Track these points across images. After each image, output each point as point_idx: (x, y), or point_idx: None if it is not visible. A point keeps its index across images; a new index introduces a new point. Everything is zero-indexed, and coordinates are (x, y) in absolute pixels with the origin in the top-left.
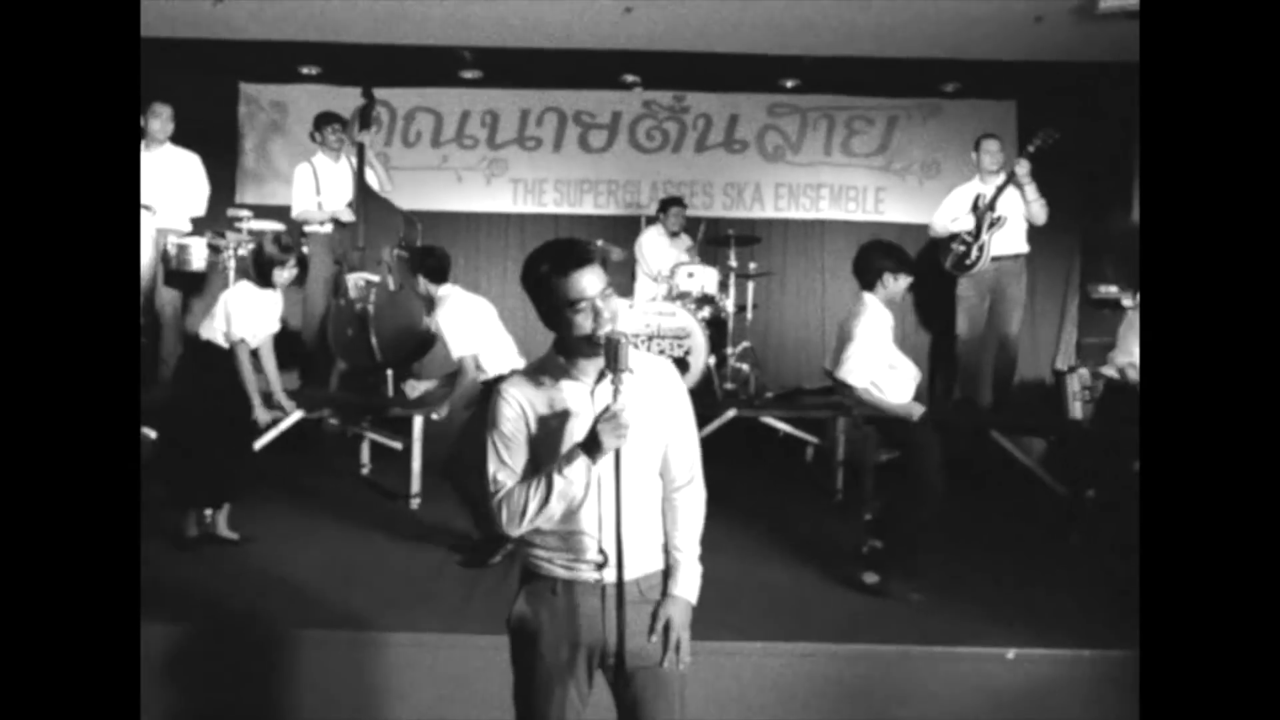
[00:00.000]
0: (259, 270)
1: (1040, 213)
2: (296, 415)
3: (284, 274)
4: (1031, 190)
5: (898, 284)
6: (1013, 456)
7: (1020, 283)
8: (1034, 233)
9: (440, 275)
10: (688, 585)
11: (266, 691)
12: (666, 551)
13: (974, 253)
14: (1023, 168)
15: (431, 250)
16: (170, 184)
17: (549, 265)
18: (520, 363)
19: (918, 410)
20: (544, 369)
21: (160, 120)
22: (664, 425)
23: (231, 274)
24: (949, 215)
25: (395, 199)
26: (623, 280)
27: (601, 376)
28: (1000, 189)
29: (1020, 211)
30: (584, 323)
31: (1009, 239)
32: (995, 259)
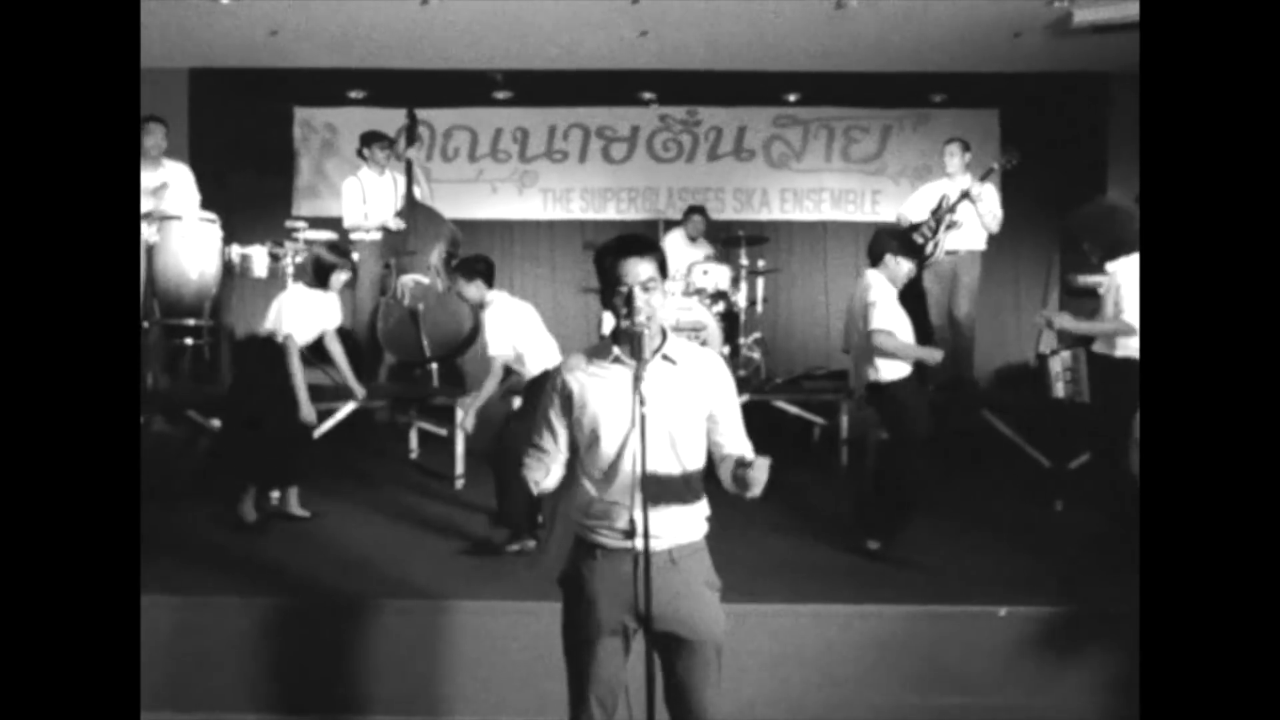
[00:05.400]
0: (316, 274)
1: (993, 224)
2: (350, 406)
3: (340, 276)
4: (986, 205)
5: (899, 266)
6: (1000, 433)
7: (973, 272)
8: (1018, 228)
9: (490, 279)
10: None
11: (335, 654)
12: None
13: (929, 247)
14: (976, 189)
15: (481, 257)
16: (169, 196)
17: (611, 250)
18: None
19: (938, 354)
20: (598, 353)
21: (155, 137)
22: (703, 409)
23: (290, 279)
24: (915, 209)
25: (437, 208)
26: None
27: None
28: (958, 200)
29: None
30: (619, 304)
31: (965, 238)
32: (950, 252)
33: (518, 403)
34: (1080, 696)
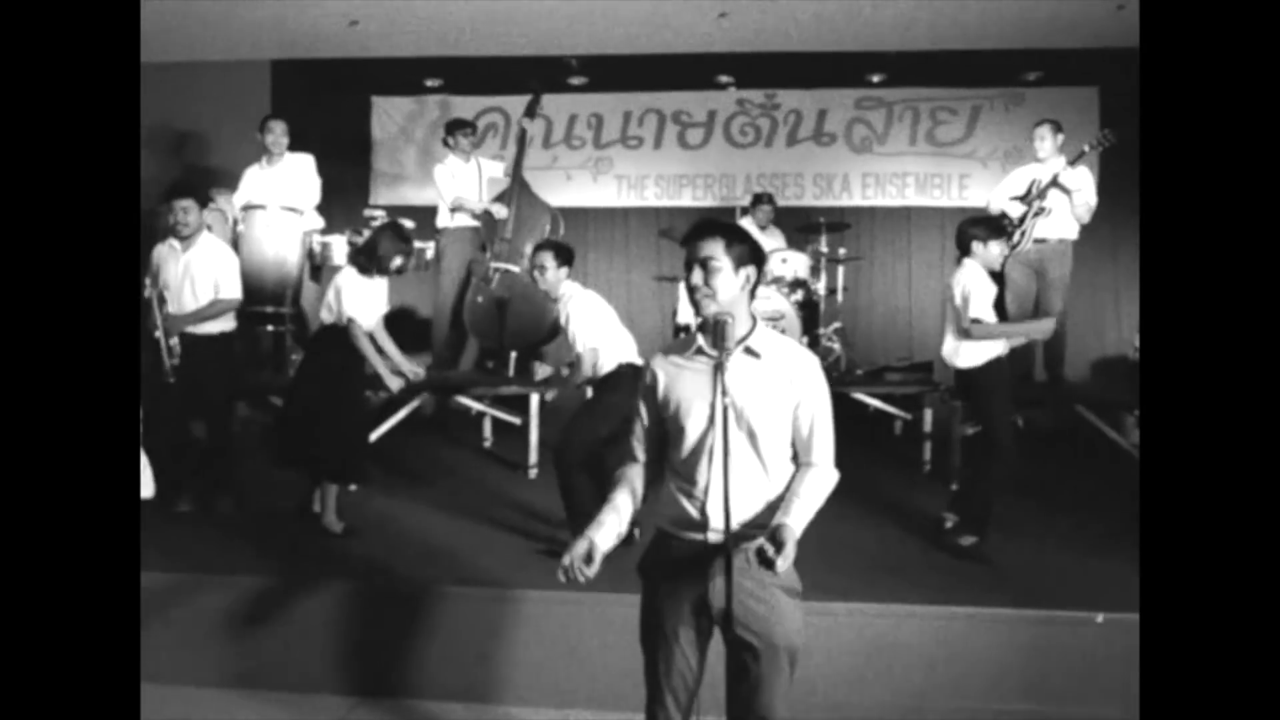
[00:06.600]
0: (375, 260)
1: (1084, 214)
2: (423, 396)
3: (396, 262)
4: (1080, 194)
5: (989, 250)
6: (1097, 429)
7: (1063, 265)
8: (1115, 212)
9: (572, 265)
10: (790, 518)
11: (401, 639)
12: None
13: (1015, 235)
14: (1066, 174)
15: (566, 244)
16: (292, 188)
17: (685, 236)
18: (638, 360)
19: (1048, 325)
20: (686, 344)
21: (275, 135)
22: (787, 407)
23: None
24: (1005, 195)
25: (539, 196)
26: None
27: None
28: (1048, 186)
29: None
30: (689, 279)
31: (1054, 225)
32: (1038, 241)
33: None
34: None
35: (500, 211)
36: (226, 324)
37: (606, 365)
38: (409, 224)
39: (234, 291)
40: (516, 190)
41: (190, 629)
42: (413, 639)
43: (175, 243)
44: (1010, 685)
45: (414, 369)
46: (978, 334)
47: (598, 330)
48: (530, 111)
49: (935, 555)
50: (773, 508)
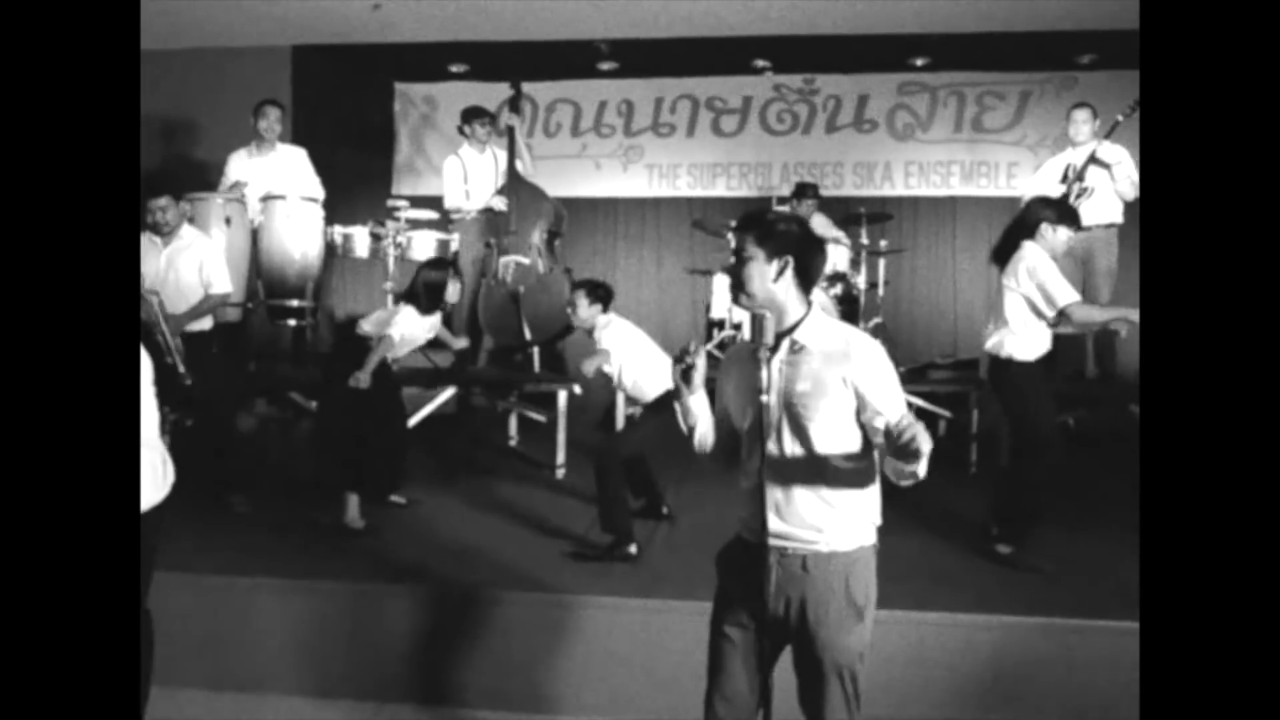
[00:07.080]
0: (429, 299)
1: (1128, 189)
2: (448, 392)
3: (451, 289)
4: (1122, 169)
5: (1056, 235)
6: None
7: (1110, 253)
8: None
9: (607, 304)
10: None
11: (427, 643)
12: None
13: None
14: (1104, 149)
15: (603, 283)
16: (284, 180)
17: None
18: None
19: (1135, 314)
20: (745, 343)
21: (268, 120)
22: (843, 401)
23: (391, 261)
24: (1040, 186)
25: (539, 182)
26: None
27: (775, 349)
28: (1085, 164)
29: (1112, 183)
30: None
31: (1098, 209)
32: (1082, 229)
33: (620, 402)
34: None
35: (500, 204)
36: (204, 323)
37: (650, 394)
38: (433, 215)
39: (223, 286)
40: (513, 183)
41: (204, 631)
42: (434, 641)
43: (155, 238)
44: (1057, 697)
45: (458, 339)
46: (1080, 316)
47: (638, 361)
48: (514, 106)
49: (978, 562)
50: (832, 508)
